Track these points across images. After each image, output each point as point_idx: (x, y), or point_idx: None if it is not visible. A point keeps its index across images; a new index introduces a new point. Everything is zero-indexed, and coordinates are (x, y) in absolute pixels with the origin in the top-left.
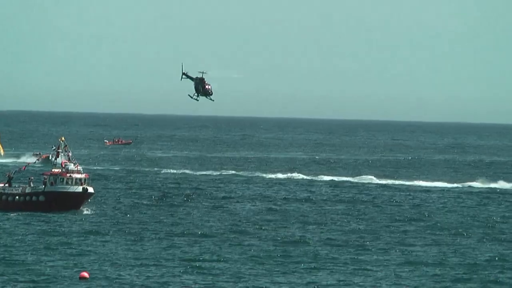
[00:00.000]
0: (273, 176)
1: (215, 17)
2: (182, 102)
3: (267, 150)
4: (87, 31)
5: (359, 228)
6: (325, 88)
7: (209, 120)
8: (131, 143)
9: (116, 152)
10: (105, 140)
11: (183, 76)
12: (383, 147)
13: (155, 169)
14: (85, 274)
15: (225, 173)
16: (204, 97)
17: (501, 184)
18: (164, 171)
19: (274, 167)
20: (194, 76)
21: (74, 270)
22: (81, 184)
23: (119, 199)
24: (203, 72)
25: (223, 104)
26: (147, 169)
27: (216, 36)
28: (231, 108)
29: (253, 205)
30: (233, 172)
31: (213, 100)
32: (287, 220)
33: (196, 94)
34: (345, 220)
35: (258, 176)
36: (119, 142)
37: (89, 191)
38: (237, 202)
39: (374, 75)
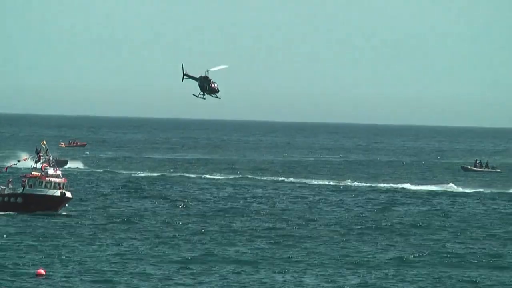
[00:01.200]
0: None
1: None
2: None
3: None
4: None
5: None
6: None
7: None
8: (85, 145)
9: (74, 153)
10: (60, 142)
11: (185, 77)
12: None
13: (126, 171)
14: (41, 271)
15: (186, 175)
16: (209, 96)
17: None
18: (132, 173)
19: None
20: (196, 76)
21: (34, 268)
22: (59, 189)
23: (93, 202)
24: (207, 70)
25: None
26: (118, 171)
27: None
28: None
29: (220, 205)
30: (200, 175)
31: (220, 98)
32: (251, 221)
33: (202, 93)
34: (299, 222)
35: (226, 177)
36: (74, 144)
37: (66, 195)
38: (204, 203)
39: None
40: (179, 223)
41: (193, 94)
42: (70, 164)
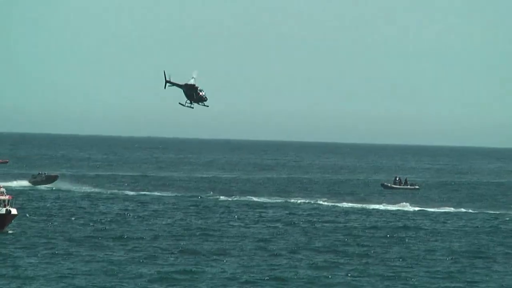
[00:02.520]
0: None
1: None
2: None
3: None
4: None
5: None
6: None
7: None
8: (7, 162)
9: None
10: None
11: (168, 84)
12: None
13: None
14: None
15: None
16: (196, 104)
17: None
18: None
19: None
20: (180, 83)
21: None
22: (5, 206)
23: (39, 219)
24: (193, 78)
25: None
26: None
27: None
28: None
29: (169, 222)
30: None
31: (208, 106)
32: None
33: (189, 102)
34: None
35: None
36: None
37: (12, 212)
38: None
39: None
40: (113, 241)
41: (180, 103)
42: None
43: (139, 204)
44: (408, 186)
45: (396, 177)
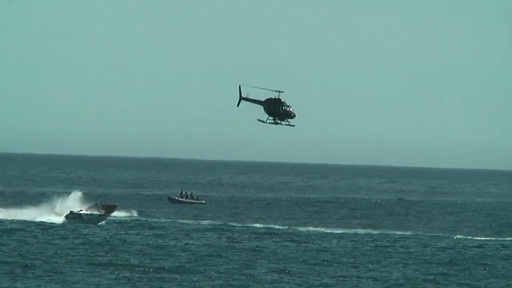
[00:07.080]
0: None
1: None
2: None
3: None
4: None
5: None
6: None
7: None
8: (117, 206)
9: None
10: None
11: (244, 101)
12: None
13: None
14: None
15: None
16: (277, 122)
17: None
18: None
19: None
20: (258, 99)
21: None
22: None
23: None
24: (279, 91)
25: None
26: None
27: None
28: None
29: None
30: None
31: (294, 126)
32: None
33: (271, 118)
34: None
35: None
36: None
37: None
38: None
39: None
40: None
41: (259, 120)
42: None
43: None
44: (195, 200)
45: (182, 191)
